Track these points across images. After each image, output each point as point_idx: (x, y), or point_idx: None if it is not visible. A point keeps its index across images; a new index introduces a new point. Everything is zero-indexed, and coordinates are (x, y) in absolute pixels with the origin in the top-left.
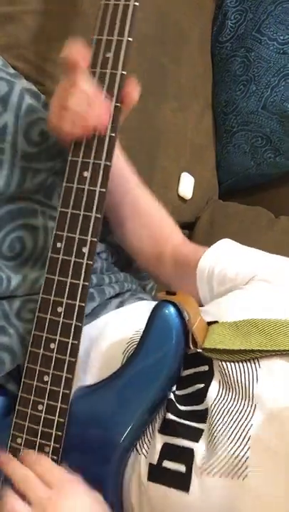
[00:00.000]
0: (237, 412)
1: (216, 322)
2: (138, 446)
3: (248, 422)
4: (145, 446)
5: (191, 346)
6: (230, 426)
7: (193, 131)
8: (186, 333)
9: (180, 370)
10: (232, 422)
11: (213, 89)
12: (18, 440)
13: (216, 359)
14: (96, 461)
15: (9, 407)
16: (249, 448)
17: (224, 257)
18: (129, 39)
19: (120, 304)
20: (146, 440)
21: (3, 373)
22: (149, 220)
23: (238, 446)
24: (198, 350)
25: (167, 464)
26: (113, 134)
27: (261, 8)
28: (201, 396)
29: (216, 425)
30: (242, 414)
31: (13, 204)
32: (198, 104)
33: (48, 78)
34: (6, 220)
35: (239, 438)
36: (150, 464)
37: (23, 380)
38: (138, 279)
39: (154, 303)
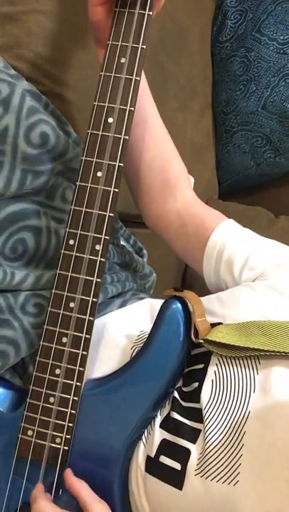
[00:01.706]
0: (231, 417)
1: (219, 324)
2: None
3: (242, 429)
4: (146, 433)
5: (193, 337)
6: (223, 431)
7: (193, 131)
8: (190, 325)
9: (185, 364)
10: (226, 427)
11: (213, 89)
12: (29, 432)
13: (216, 353)
14: (104, 451)
15: (16, 402)
16: (242, 455)
17: (237, 238)
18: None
19: (123, 303)
20: (148, 428)
21: (8, 366)
22: (163, 150)
23: (232, 453)
24: (200, 341)
25: (164, 459)
26: (126, 137)
27: (261, 8)
28: (197, 394)
29: (210, 429)
30: (235, 420)
31: (16, 206)
32: (198, 103)
33: (48, 78)
34: (8, 222)
35: (233, 445)
36: (148, 456)
37: (34, 373)
38: (138, 279)
39: (156, 300)
